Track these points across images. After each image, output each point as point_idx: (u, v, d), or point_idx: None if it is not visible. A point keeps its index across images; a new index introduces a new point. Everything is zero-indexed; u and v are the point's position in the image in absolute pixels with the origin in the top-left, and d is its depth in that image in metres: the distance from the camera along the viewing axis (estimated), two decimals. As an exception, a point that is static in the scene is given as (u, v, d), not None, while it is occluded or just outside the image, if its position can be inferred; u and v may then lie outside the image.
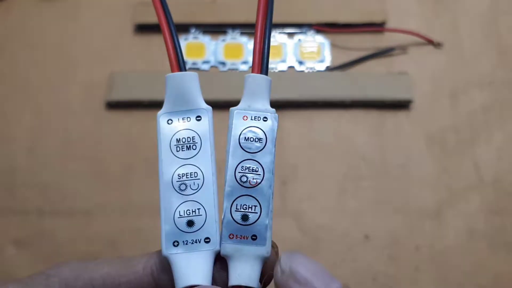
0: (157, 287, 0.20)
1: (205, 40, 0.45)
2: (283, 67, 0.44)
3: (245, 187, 0.20)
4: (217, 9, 0.45)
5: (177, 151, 0.20)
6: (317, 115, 0.43)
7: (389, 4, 0.45)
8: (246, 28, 0.45)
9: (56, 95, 0.44)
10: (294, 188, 0.41)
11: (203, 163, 0.20)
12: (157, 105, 0.42)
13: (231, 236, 0.20)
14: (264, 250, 0.20)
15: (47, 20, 0.46)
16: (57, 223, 0.40)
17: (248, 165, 0.20)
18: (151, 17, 0.45)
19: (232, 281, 0.20)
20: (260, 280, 0.20)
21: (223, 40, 0.45)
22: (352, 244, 0.40)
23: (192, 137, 0.20)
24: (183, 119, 0.21)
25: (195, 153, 0.20)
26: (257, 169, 0.20)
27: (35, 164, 0.42)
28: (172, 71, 0.21)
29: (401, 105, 0.43)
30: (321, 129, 0.43)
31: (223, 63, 0.44)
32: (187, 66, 0.44)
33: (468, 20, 0.46)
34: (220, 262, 0.20)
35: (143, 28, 0.45)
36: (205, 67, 0.44)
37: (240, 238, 0.20)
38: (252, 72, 0.21)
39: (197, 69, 0.44)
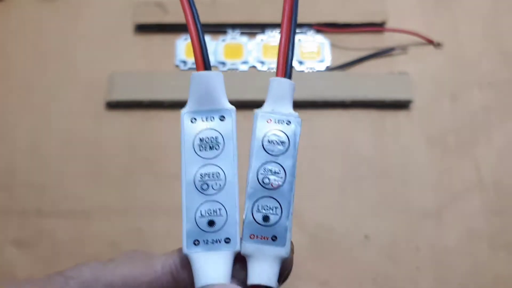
0: (177, 285, 0.21)
1: (205, 40, 0.45)
2: (283, 67, 0.44)
3: (267, 188, 0.20)
4: (217, 9, 0.45)
5: (200, 150, 0.21)
6: (317, 115, 0.43)
7: (389, 4, 0.45)
8: (246, 28, 0.45)
9: (56, 95, 0.44)
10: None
11: (226, 163, 0.21)
12: (157, 105, 0.42)
13: (252, 236, 0.20)
14: (284, 250, 0.20)
15: (47, 20, 0.46)
16: (57, 223, 0.40)
17: (270, 167, 0.21)
18: (151, 17, 0.45)
19: (251, 280, 0.20)
20: (278, 280, 0.20)
21: (223, 40, 0.45)
22: (352, 244, 0.40)
23: (215, 137, 0.21)
24: (206, 119, 0.21)
25: (218, 153, 0.21)
26: (279, 171, 0.20)
27: (35, 164, 0.42)
28: (198, 69, 0.21)
29: (401, 105, 0.43)
30: (321, 129, 0.43)
31: (223, 63, 0.44)
32: (187, 66, 0.44)
33: (468, 20, 0.46)
34: (239, 262, 0.20)
35: (143, 28, 0.45)
36: (205, 67, 0.44)
37: (261, 239, 0.20)
38: (277, 75, 0.21)
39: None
